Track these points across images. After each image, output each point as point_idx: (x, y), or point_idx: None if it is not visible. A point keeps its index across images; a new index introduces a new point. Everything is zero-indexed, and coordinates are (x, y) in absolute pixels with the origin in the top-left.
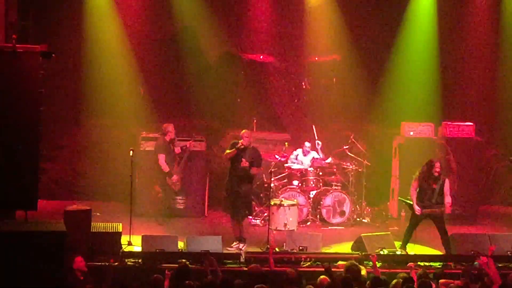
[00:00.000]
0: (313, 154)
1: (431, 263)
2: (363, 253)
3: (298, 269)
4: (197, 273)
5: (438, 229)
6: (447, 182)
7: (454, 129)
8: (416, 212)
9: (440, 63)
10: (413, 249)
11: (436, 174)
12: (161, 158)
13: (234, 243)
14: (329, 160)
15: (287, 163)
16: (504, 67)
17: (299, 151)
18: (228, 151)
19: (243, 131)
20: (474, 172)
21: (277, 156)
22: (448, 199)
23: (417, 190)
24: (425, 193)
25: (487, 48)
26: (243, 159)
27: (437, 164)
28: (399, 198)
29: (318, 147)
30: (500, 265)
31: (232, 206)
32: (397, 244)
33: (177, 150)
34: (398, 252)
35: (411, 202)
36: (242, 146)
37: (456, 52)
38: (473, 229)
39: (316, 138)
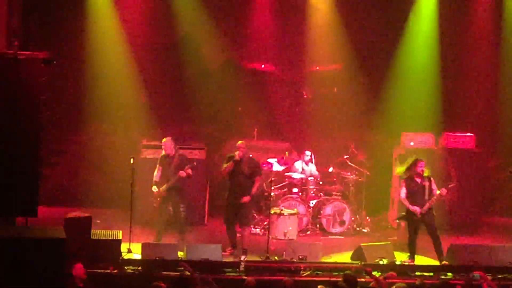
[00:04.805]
0: (313, 166)
1: (431, 274)
2: (362, 263)
3: (296, 278)
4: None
5: (430, 234)
6: (433, 180)
7: (454, 140)
8: (416, 212)
9: (442, 73)
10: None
11: (421, 171)
12: (157, 168)
13: (228, 248)
14: (314, 170)
15: (287, 171)
16: (506, 78)
17: (299, 163)
18: (225, 165)
19: (239, 142)
20: (475, 183)
21: (271, 160)
22: (437, 192)
23: (407, 196)
24: (416, 194)
25: (488, 58)
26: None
27: (421, 163)
28: (396, 220)
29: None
30: (500, 276)
31: (232, 217)
32: (397, 254)
33: (182, 173)
34: (398, 262)
35: (404, 214)
36: (238, 158)
37: (457, 62)
38: (473, 240)
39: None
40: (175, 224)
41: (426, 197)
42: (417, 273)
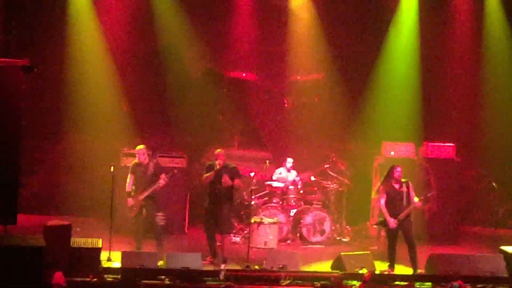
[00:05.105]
0: (295, 173)
1: (410, 283)
2: (342, 272)
3: (276, 287)
4: None
5: (406, 240)
6: (411, 185)
7: (435, 149)
8: (391, 225)
9: (422, 83)
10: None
11: (398, 176)
12: (129, 177)
13: (208, 257)
14: (296, 178)
15: (268, 180)
16: (486, 88)
17: (281, 169)
18: (206, 175)
19: (218, 150)
20: (454, 192)
21: (251, 174)
22: (415, 199)
23: (387, 203)
24: (394, 200)
25: (469, 69)
26: (224, 176)
27: (398, 168)
28: (374, 226)
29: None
30: (479, 286)
31: (213, 225)
32: (377, 263)
33: (162, 183)
34: (378, 272)
35: (382, 219)
36: (220, 167)
37: (438, 72)
38: (453, 250)
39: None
40: (152, 233)
41: (404, 203)
42: (397, 283)
